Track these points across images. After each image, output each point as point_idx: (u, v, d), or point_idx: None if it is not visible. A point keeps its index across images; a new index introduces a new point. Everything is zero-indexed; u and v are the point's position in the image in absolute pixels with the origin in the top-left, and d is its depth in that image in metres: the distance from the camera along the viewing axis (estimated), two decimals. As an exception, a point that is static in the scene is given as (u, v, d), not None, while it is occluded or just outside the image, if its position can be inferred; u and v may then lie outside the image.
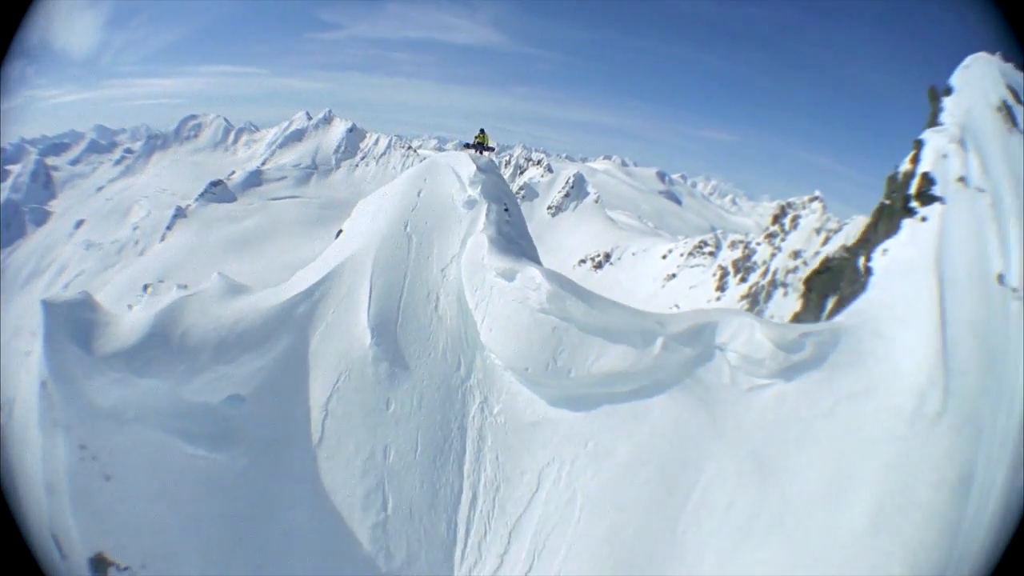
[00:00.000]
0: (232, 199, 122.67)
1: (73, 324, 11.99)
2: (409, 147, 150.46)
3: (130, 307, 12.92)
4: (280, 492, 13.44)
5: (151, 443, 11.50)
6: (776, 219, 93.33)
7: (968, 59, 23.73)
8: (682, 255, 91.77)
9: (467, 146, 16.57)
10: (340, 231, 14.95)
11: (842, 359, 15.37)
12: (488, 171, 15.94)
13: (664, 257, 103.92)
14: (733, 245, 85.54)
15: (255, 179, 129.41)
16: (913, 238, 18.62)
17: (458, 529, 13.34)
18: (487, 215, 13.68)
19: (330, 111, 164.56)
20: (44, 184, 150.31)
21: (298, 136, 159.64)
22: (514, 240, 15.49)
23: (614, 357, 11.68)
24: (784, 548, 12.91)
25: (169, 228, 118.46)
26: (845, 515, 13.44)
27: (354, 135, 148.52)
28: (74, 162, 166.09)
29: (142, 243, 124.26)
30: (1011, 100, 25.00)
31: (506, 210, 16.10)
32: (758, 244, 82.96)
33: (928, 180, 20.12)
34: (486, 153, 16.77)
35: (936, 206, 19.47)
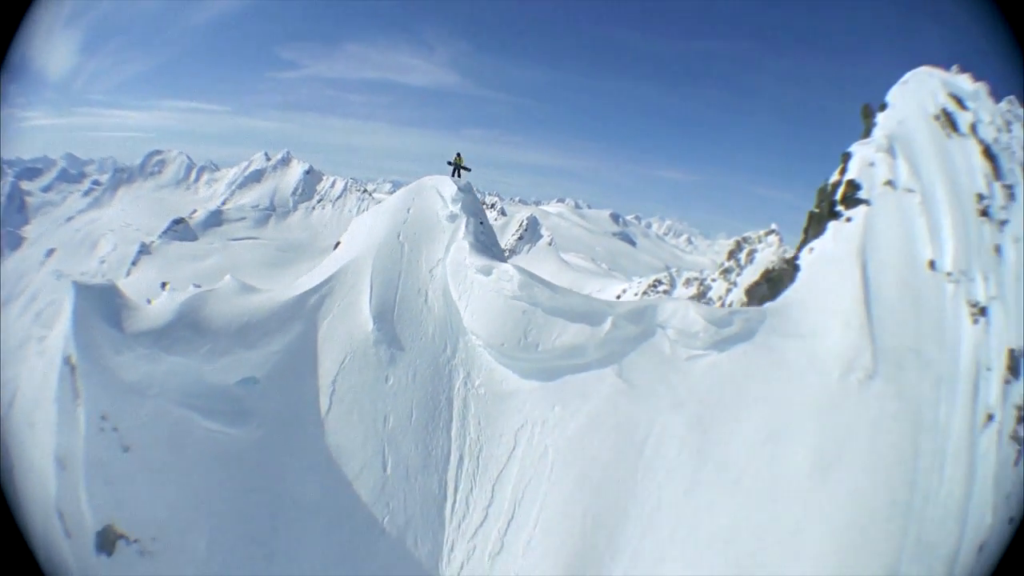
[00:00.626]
0: (194, 238, 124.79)
1: (102, 305, 13.56)
2: (364, 190, 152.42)
3: (149, 301, 14.51)
4: (291, 462, 15.22)
5: (171, 417, 12.97)
6: (732, 254, 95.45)
7: (907, 75, 26.59)
8: (636, 294, 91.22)
9: (449, 163, 18.87)
10: (338, 243, 17.51)
11: (771, 333, 17.90)
12: (466, 192, 19.22)
13: (619, 297, 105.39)
14: (688, 282, 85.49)
15: (216, 219, 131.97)
16: (837, 236, 21.47)
17: (448, 486, 15.21)
18: (466, 226, 16.36)
19: (288, 152, 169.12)
20: (19, 208, 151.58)
21: (257, 177, 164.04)
22: (488, 246, 18.19)
23: (573, 333, 14.22)
24: (731, 490, 14.96)
25: (134, 264, 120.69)
26: (786, 463, 15.58)
27: (311, 177, 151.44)
28: (46, 189, 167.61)
29: (108, 277, 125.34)
30: (954, 108, 28.53)
31: (481, 223, 19.02)
32: (713, 280, 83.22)
33: (854, 186, 23.17)
34: (463, 173, 19.09)
35: (861, 208, 22.40)
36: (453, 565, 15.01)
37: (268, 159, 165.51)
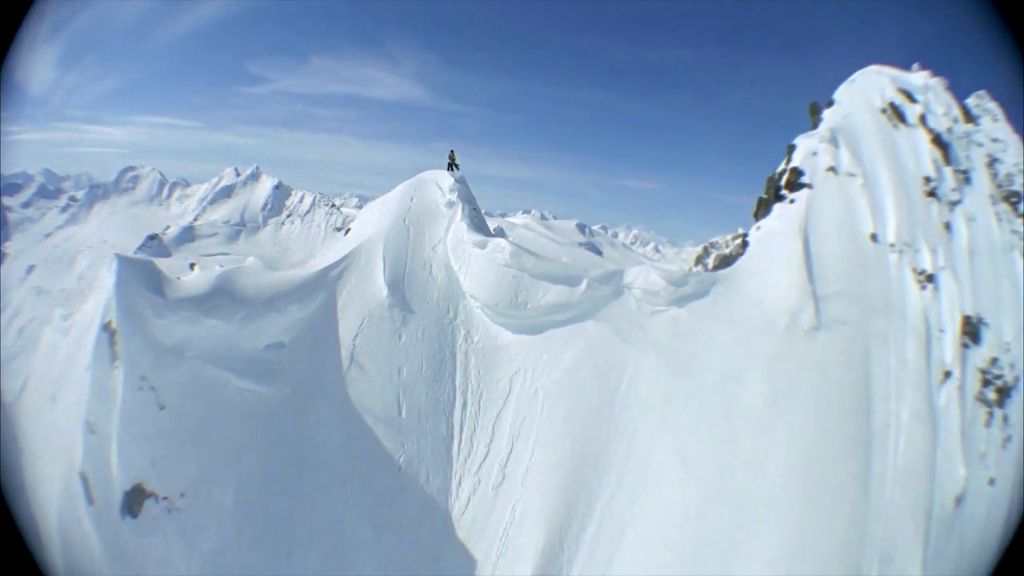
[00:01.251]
0: (167, 254, 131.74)
1: (143, 275, 15.10)
2: (332, 204, 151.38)
3: (178, 277, 16.05)
4: (316, 414, 17.09)
5: (206, 377, 14.45)
6: (699, 260, 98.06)
7: (855, 74, 29.28)
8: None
9: (449, 161, 21.48)
10: (348, 229, 20.00)
11: (723, 293, 20.35)
12: (461, 183, 21.27)
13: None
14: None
15: (188, 235, 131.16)
16: (781, 215, 24.07)
17: (454, 427, 17.25)
18: (463, 211, 18.89)
19: (257, 168, 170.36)
20: (1, 224, 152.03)
21: (227, 192, 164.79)
22: (480, 227, 20.57)
23: (556, 294, 16.77)
24: (696, 421, 17.15)
25: None
26: (742, 398, 17.84)
27: (280, 192, 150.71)
28: (25, 205, 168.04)
29: (87, 293, 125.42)
30: (903, 102, 27.85)
31: (474, 209, 21.57)
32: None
33: (797, 173, 25.74)
34: (456, 169, 21.65)
35: (804, 191, 25.21)
36: (461, 497, 16.96)
37: (238, 175, 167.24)
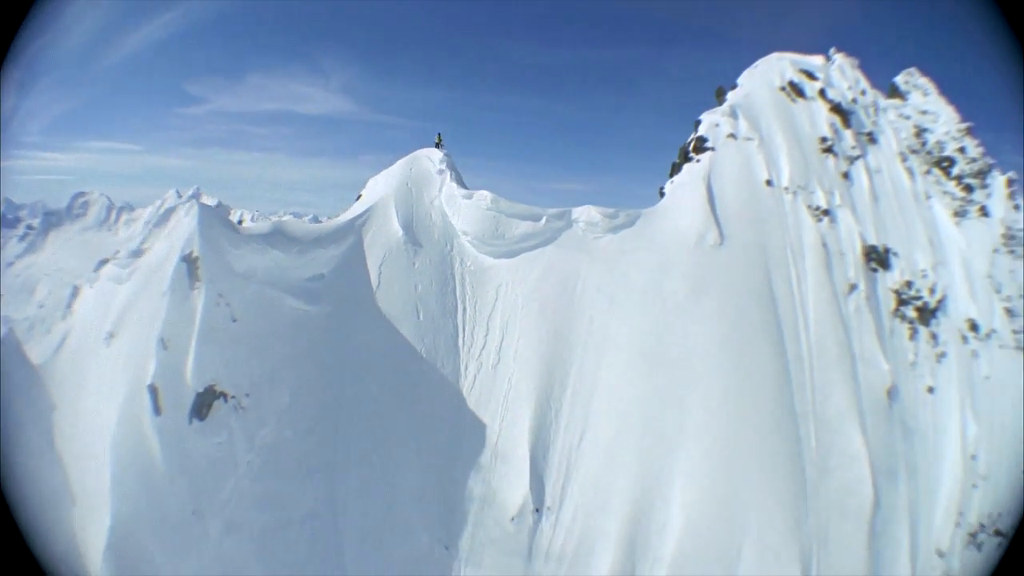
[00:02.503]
0: (120, 278, 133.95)
1: (218, 217, 18.65)
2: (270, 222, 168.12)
3: (240, 221, 20.34)
4: (354, 324, 21.66)
5: (267, 297, 17.98)
6: None
7: (758, 61, 34.41)
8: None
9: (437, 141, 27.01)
10: (360, 195, 24.64)
11: (646, 223, 25.41)
12: (448, 156, 25.97)
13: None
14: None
15: (140, 253, 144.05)
16: (689, 170, 29.97)
17: (458, 326, 22.49)
18: (451, 175, 23.95)
19: (198, 188, 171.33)
20: None
21: (170, 215, 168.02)
22: (463, 186, 26.69)
23: (524, 228, 21.88)
24: (637, 307, 22.66)
25: (68, 307, 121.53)
26: (669, 290, 22.78)
27: (220, 212, 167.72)
28: None
29: (48, 322, 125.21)
30: (802, 80, 32.99)
31: (458, 175, 27.53)
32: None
33: (702, 140, 32.04)
34: (442, 147, 26.63)
35: (708, 153, 31.34)
36: (469, 376, 22.21)
37: (179, 196, 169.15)
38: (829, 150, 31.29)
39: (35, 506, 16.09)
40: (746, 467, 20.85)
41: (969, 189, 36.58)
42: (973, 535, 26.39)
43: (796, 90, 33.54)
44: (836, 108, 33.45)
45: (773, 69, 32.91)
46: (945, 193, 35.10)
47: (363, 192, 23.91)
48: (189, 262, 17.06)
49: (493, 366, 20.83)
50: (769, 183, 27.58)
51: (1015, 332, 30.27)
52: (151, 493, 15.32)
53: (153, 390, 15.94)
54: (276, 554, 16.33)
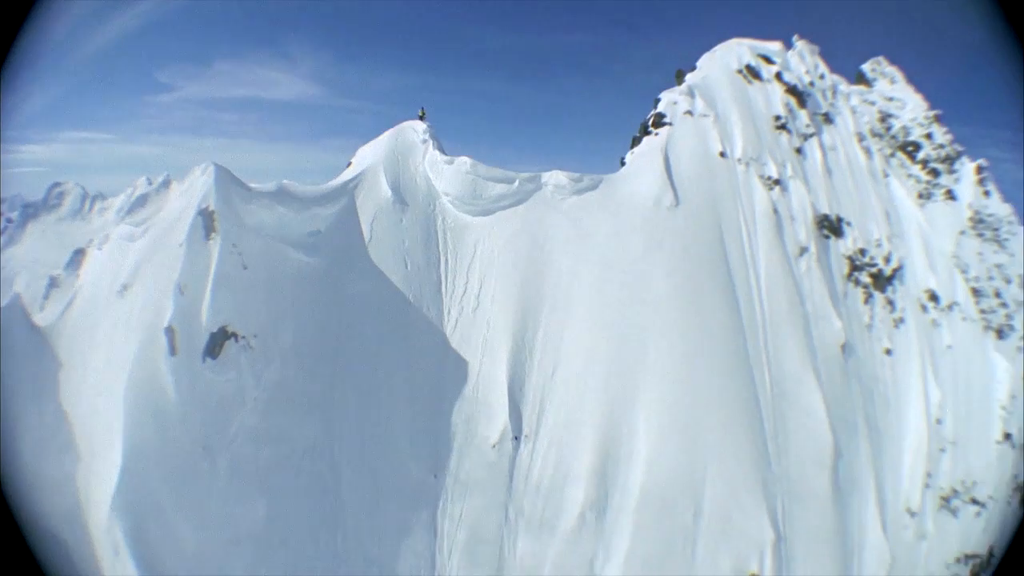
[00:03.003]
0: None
1: (230, 177, 20.06)
2: None
3: (250, 184, 22.10)
4: (347, 274, 23.50)
5: (274, 248, 19.59)
6: None
7: (717, 46, 36.67)
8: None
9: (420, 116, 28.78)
10: (350, 163, 26.65)
11: (608, 187, 26.06)
12: (430, 127, 27.39)
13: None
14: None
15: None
16: (648, 142, 31.81)
17: (442, 276, 24.48)
18: (434, 144, 25.50)
19: (168, 175, 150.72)
20: None
21: (142, 202, 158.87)
22: (444, 153, 29.21)
23: (499, 189, 23.61)
24: (598, 259, 25.71)
25: (46, 298, 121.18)
26: (628, 242, 24.91)
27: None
28: None
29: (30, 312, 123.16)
30: (760, 64, 35.58)
31: (439, 143, 29.91)
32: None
33: (660, 116, 34.71)
34: (425, 119, 28.75)
35: (666, 128, 33.16)
36: (451, 319, 24.32)
37: (150, 183, 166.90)
38: (783, 127, 33.87)
39: (40, 470, 17.92)
40: (705, 401, 23.38)
41: (935, 173, 40.14)
42: (946, 499, 29.96)
43: (753, 73, 36.14)
44: (792, 90, 36.17)
45: (731, 53, 35.38)
46: (910, 176, 38.35)
47: (353, 160, 26.07)
48: (205, 216, 18.65)
49: (473, 311, 23.16)
50: (723, 155, 30.14)
51: (983, 312, 33.44)
52: (163, 430, 16.71)
53: (170, 332, 17.55)
54: (278, 487, 17.88)
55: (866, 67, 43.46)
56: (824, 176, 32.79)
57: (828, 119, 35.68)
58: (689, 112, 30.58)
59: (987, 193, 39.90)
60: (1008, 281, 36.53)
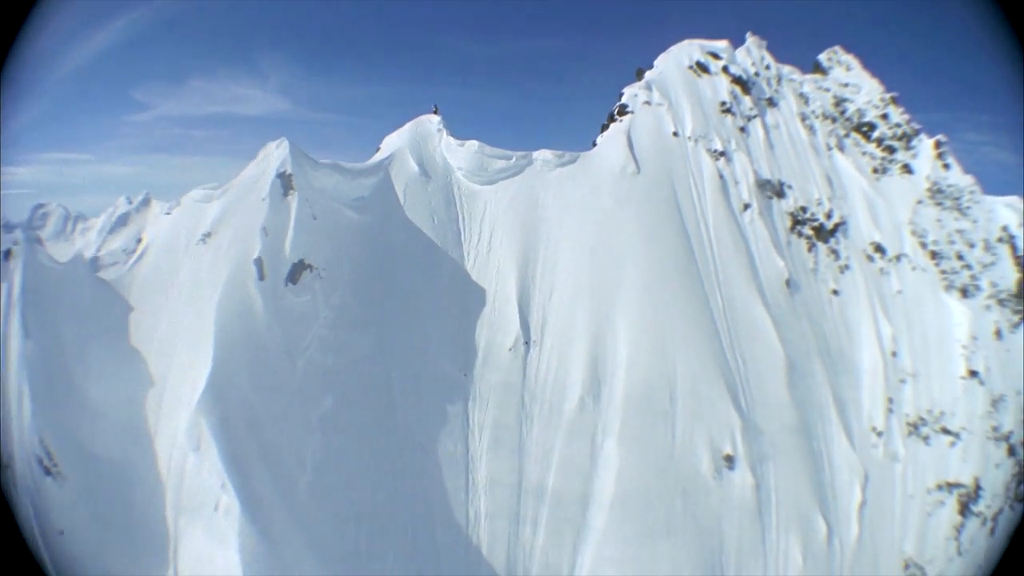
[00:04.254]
0: None
1: (299, 149, 26.12)
2: None
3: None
4: (389, 226, 29.69)
5: (334, 206, 25.40)
6: None
7: (672, 47, 42.33)
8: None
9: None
10: (379, 148, 35.59)
11: (584, 161, 31.71)
12: (442, 119, 35.05)
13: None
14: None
15: (95, 266, 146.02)
16: (614, 127, 38.35)
17: (460, 230, 31.09)
18: (447, 133, 32.49)
19: (148, 194, 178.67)
20: None
21: (123, 221, 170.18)
22: (455, 138, 36.88)
23: (500, 164, 29.92)
24: (578, 209, 31.60)
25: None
26: (599, 201, 30.29)
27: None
28: None
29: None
30: (708, 59, 41.62)
31: (451, 132, 37.82)
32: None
33: (624, 106, 43.09)
34: (438, 113, 35.50)
35: (628, 115, 42.57)
36: (470, 260, 29.87)
37: (130, 203, 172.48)
38: (728, 111, 40.33)
39: (110, 400, 23.31)
40: (670, 316, 29.82)
41: (891, 150, 44.35)
42: (915, 426, 34.50)
43: (702, 68, 42.78)
44: (737, 80, 42.33)
45: (683, 52, 41.74)
46: (864, 153, 43.54)
47: (381, 146, 33.67)
48: (284, 178, 24.84)
49: (486, 253, 30.08)
50: (675, 134, 37.49)
51: (943, 272, 38.11)
52: (250, 339, 22.06)
53: (259, 262, 23.25)
54: (342, 386, 23.55)
55: (822, 57, 49.06)
56: (766, 149, 39.31)
57: (772, 103, 42.26)
58: (647, 102, 38.12)
59: (947, 166, 43.96)
60: (972, 245, 40.66)
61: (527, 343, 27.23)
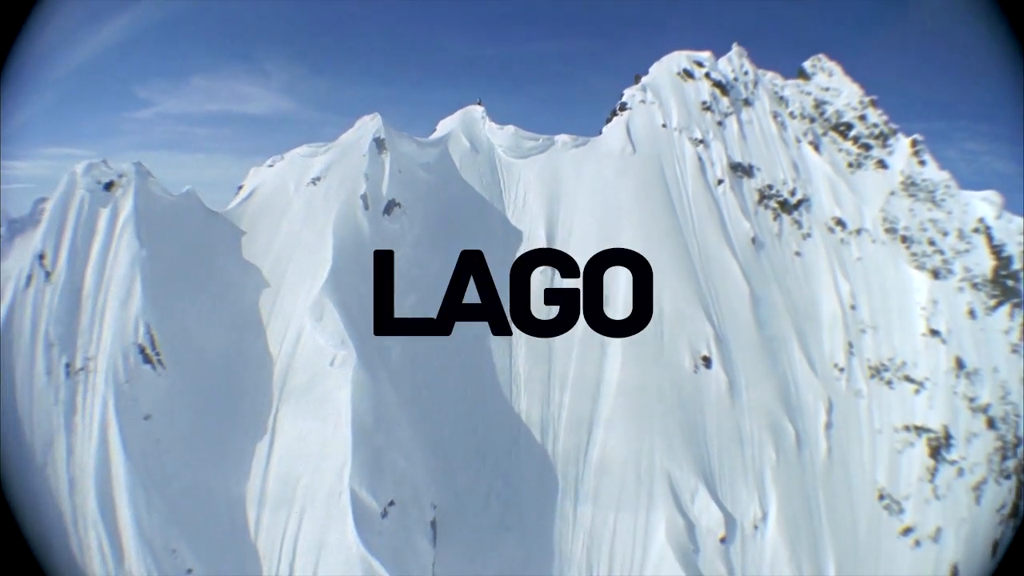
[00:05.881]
0: None
1: (388, 123, 36.24)
2: None
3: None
4: (448, 185, 39.55)
5: (412, 167, 35.58)
6: None
7: (664, 56, 51.11)
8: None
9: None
10: (435, 129, 45.49)
11: (594, 144, 41.55)
12: (485, 109, 46.78)
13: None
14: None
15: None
16: (616, 120, 47.29)
17: (502, 189, 41.69)
18: (490, 119, 44.37)
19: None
20: None
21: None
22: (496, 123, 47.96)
23: (530, 144, 39.83)
24: (588, 182, 43.47)
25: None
26: (605, 175, 41.94)
27: None
28: None
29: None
30: (693, 67, 50.66)
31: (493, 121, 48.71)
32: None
33: (624, 104, 52.97)
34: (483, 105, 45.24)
35: (627, 111, 53.00)
36: (510, 211, 39.74)
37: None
38: (708, 109, 50.42)
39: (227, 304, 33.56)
40: (657, 254, 40.21)
41: (867, 147, 50.37)
42: (876, 370, 40.34)
43: (687, 74, 52.54)
44: (717, 84, 50.75)
45: (673, 61, 51.06)
46: (840, 150, 50.51)
47: (437, 128, 44.90)
48: (378, 141, 34.61)
49: (522, 207, 40.05)
50: (664, 126, 47.28)
51: (914, 255, 43.75)
52: (358, 248, 31.65)
53: (364, 197, 32.65)
54: (423, 289, 33.02)
55: (807, 64, 56.22)
56: (740, 139, 47.69)
57: (748, 103, 50.58)
58: (643, 101, 48.24)
59: (923, 163, 49.06)
60: (945, 234, 45.57)
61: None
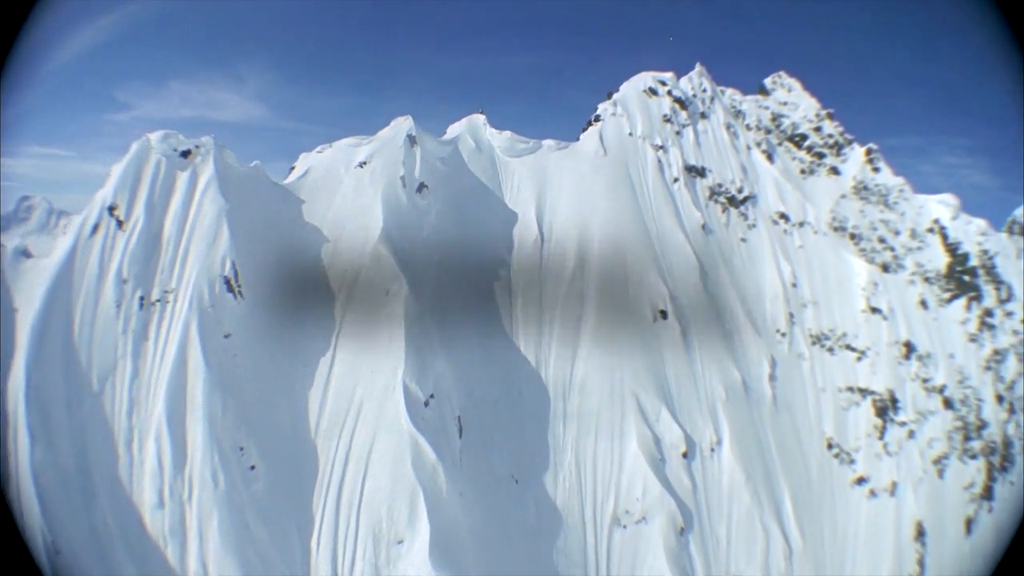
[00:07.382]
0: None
1: (418, 125, 48.33)
2: None
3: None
4: (460, 175, 51.15)
5: (433, 160, 46.16)
6: None
7: (633, 76, 62.44)
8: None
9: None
10: (445, 132, 57.43)
11: (573, 148, 52.64)
12: (487, 117, 59.58)
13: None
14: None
15: None
16: (591, 130, 60.17)
17: (500, 181, 52.93)
18: (491, 125, 57.00)
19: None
20: None
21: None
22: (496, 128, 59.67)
23: (523, 146, 50.20)
24: (570, 177, 55.75)
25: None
26: (583, 171, 55.66)
27: None
28: None
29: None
30: (656, 85, 62.51)
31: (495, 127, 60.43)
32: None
33: (597, 116, 64.01)
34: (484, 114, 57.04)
35: (600, 122, 64.26)
36: (509, 198, 51.91)
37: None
38: (668, 120, 61.79)
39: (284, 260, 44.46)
40: (624, 234, 51.13)
41: (820, 156, 58.72)
42: (817, 338, 47.81)
43: (652, 92, 64.03)
44: (677, 100, 62.41)
45: (640, 80, 61.71)
46: (794, 159, 60.13)
47: (447, 131, 56.49)
48: (411, 137, 45.98)
49: (516, 194, 50.18)
50: (630, 134, 59.13)
51: (862, 251, 50.95)
52: (401, 214, 41.71)
53: (403, 178, 42.49)
54: (446, 253, 45.08)
55: (767, 80, 65.98)
56: (695, 146, 58.49)
57: (704, 116, 61.32)
58: (614, 113, 59.25)
59: (877, 170, 56.11)
60: (897, 233, 51.64)
61: (542, 240, 48.91)
